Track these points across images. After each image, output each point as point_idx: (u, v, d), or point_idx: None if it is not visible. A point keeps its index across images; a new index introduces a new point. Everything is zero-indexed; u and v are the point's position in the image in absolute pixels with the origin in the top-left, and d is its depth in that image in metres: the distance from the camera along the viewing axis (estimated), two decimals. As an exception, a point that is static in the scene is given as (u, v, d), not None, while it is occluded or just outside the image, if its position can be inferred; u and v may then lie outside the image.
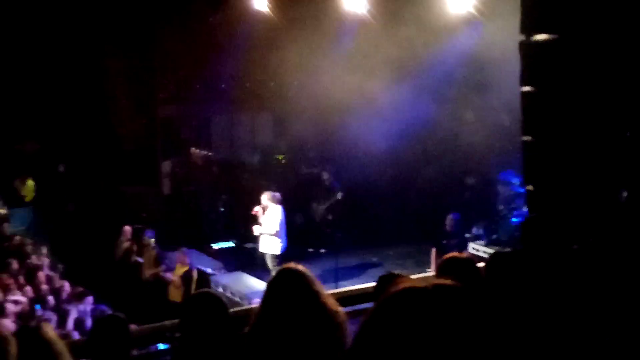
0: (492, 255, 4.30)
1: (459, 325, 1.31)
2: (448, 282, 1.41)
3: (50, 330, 3.60)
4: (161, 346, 6.01)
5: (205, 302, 3.90)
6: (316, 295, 4.33)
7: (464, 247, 13.45)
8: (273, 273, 12.87)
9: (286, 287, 4.31)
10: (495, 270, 4.11)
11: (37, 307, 10.29)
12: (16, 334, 3.61)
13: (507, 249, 12.57)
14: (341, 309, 4.44)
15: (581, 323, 4.36)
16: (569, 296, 4.40)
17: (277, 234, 13.14)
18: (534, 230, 5.28)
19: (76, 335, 9.39)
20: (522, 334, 3.87)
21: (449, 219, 13.41)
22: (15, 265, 11.83)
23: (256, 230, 13.27)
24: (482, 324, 1.33)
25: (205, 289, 6.16)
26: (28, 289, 10.95)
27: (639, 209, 6.62)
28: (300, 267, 4.41)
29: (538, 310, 4.32)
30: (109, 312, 8.33)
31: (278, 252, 13.14)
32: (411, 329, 1.32)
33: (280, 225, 13.22)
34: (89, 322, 9.90)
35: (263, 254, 13.56)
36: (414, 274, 5.31)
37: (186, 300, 4.09)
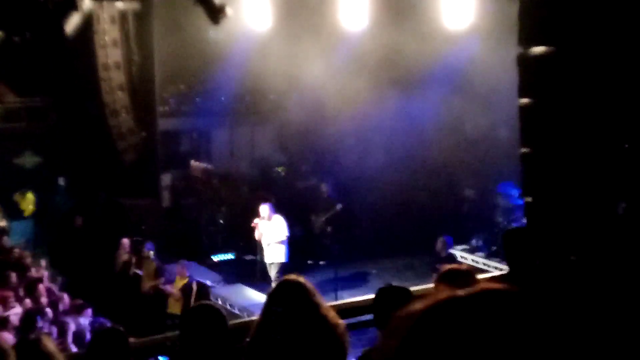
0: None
1: (523, 334, 1.09)
2: (495, 285, 1.17)
3: (49, 342, 3.60)
4: (161, 358, 6.02)
5: (205, 314, 3.91)
6: (317, 307, 4.34)
7: None
8: (274, 284, 12.92)
9: (287, 298, 4.32)
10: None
11: (37, 318, 10.28)
12: (16, 346, 3.62)
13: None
14: (342, 322, 4.45)
15: (579, 335, 4.37)
16: (567, 308, 4.41)
17: (283, 242, 13.34)
18: (515, 243, 5.30)
19: (75, 348, 9.38)
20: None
21: (441, 242, 12.68)
22: (14, 278, 11.83)
23: (264, 240, 13.40)
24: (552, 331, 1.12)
25: (205, 301, 6.17)
26: (27, 301, 10.94)
27: (637, 221, 6.63)
28: (301, 278, 4.42)
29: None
30: (108, 324, 8.33)
31: (284, 259, 13.29)
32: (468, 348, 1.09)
33: (288, 231, 13.52)
34: (87, 335, 9.89)
35: (265, 265, 13.60)
36: (413, 285, 5.32)
37: (186, 312, 4.09)
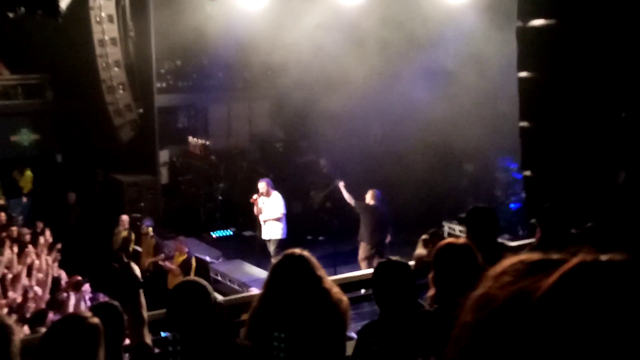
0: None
1: None
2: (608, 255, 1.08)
3: (93, 317, 3.51)
4: (163, 334, 6.02)
5: (186, 290, 3.86)
6: (319, 281, 4.34)
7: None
8: (273, 260, 12.95)
9: (291, 271, 4.31)
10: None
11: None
12: (63, 321, 3.52)
13: (505, 235, 12.59)
14: (345, 298, 4.44)
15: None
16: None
17: (281, 219, 13.29)
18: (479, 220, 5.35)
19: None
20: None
21: (371, 193, 12.93)
22: (12, 254, 11.81)
23: (262, 217, 13.37)
24: None
25: (190, 277, 6.15)
26: (25, 278, 10.93)
27: (637, 191, 6.61)
28: (305, 252, 4.41)
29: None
30: (105, 300, 8.33)
31: (281, 236, 13.27)
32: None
33: (284, 208, 13.46)
34: (82, 308, 9.95)
35: (264, 241, 13.60)
36: (411, 260, 5.30)
37: (170, 290, 4.06)
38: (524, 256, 1.11)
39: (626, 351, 0.97)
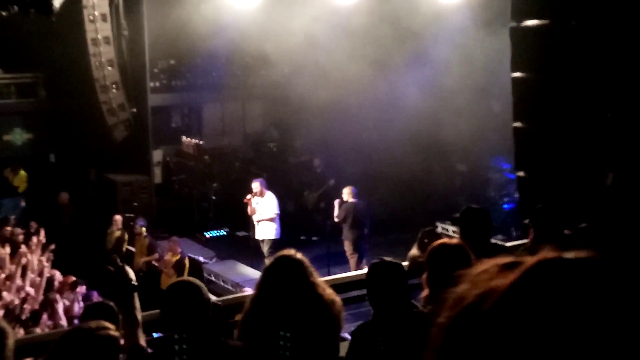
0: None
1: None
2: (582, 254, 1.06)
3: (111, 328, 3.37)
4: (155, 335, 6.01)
5: (181, 290, 3.85)
6: (312, 283, 4.33)
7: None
8: (267, 260, 12.95)
9: (283, 273, 4.30)
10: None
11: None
12: (79, 333, 3.38)
13: (499, 236, 12.61)
14: (338, 299, 4.43)
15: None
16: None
17: (274, 219, 13.30)
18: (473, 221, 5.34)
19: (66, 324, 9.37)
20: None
21: (348, 191, 13.46)
22: (5, 255, 11.75)
23: (255, 217, 13.38)
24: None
25: (184, 277, 6.13)
26: (19, 278, 10.89)
27: (626, 192, 6.63)
28: (298, 255, 4.40)
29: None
30: (99, 298, 8.30)
31: (275, 236, 13.28)
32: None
33: (278, 209, 13.52)
34: (76, 308, 9.95)
35: (258, 242, 13.59)
36: (405, 260, 5.30)
37: (165, 290, 4.05)
38: (498, 259, 1.13)
39: (583, 347, 0.97)
